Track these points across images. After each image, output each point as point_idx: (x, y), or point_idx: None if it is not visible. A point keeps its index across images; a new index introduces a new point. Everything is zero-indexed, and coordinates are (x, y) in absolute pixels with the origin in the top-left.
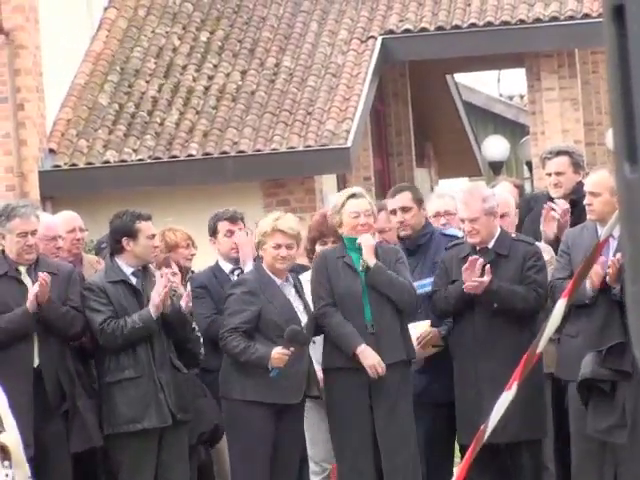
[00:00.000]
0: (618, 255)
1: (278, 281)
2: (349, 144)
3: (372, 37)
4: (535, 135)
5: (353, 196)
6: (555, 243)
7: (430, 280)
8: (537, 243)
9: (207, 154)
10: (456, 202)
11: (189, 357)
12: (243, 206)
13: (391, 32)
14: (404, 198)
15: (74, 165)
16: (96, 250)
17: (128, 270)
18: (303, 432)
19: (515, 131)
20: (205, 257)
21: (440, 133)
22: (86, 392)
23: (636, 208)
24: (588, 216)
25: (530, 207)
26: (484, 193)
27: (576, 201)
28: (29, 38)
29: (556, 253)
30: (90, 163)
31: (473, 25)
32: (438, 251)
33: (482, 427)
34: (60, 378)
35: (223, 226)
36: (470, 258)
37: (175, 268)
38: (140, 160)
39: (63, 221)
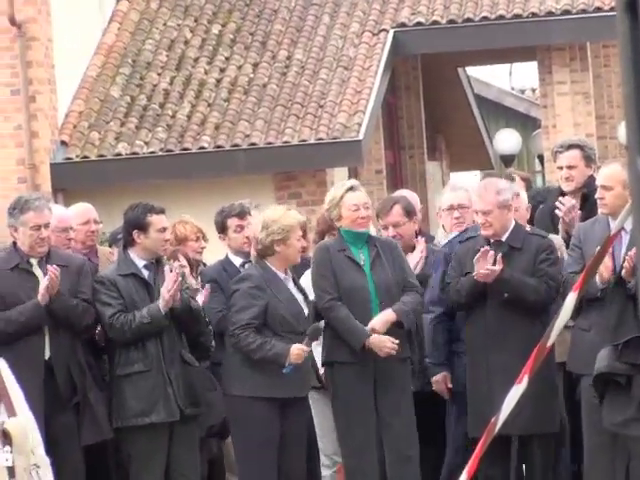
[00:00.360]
0: (634, 250)
1: (282, 275)
2: (361, 137)
3: (384, 30)
4: (547, 128)
5: (351, 189)
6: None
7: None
8: (552, 236)
9: (219, 147)
10: (470, 195)
11: (202, 350)
12: (254, 199)
13: (403, 25)
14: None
15: (86, 157)
16: (110, 241)
17: (140, 263)
18: (308, 424)
19: (527, 124)
20: (218, 250)
21: (452, 126)
22: (97, 384)
23: None
24: (600, 210)
25: (537, 202)
26: (499, 186)
27: (587, 195)
28: (41, 30)
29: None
30: (102, 155)
31: (485, 18)
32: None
33: (493, 420)
34: (71, 370)
35: (232, 222)
36: (482, 249)
37: (183, 261)
38: (152, 153)
39: (78, 213)
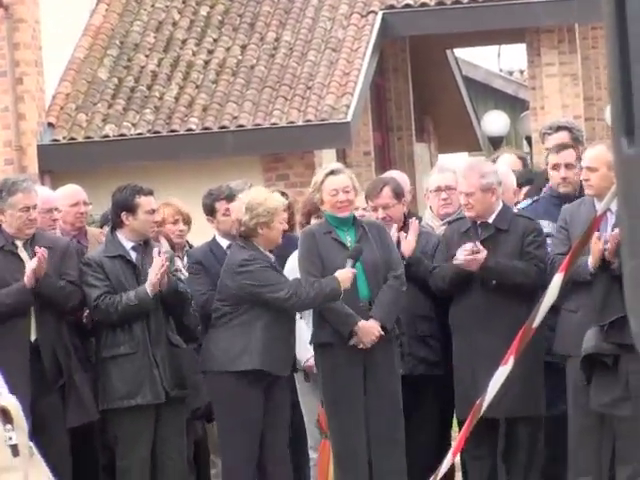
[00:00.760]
0: (617, 230)
1: (271, 256)
2: (349, 119)
3: (372, 12)
4: (535, 110)
5: (332, 173)
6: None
7: None
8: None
9: (206, 128)
10: (457, 177)
11: (188, 332)
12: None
13: (391, 7)
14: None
15: (73, 139)
16: (102, 222)
17: (128, 244)
18: (290, 405)
19: (515, 106)
20: (205, 232)
21: (440, 108)
22: (82, 366)
23: (633, 183)
24: (586, 191)
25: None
26: (484, 169)
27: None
28: (28, 12)
29: None
30: (89, 137)
31: (473, 0)
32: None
33: (479, 401)
34: (57, 352)
35: (221, 205)
36: (464, 245)
37: (165, 244)
38: (139, 134)
39: (67, 195)
